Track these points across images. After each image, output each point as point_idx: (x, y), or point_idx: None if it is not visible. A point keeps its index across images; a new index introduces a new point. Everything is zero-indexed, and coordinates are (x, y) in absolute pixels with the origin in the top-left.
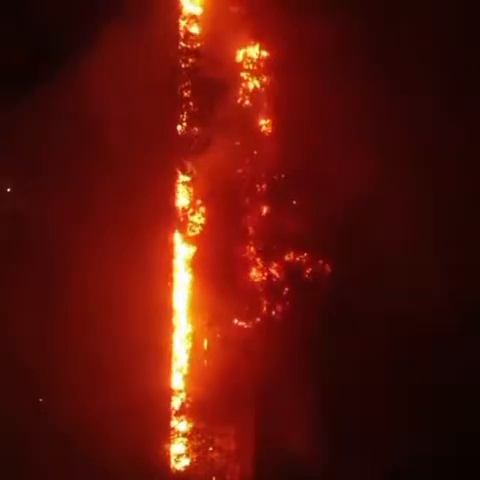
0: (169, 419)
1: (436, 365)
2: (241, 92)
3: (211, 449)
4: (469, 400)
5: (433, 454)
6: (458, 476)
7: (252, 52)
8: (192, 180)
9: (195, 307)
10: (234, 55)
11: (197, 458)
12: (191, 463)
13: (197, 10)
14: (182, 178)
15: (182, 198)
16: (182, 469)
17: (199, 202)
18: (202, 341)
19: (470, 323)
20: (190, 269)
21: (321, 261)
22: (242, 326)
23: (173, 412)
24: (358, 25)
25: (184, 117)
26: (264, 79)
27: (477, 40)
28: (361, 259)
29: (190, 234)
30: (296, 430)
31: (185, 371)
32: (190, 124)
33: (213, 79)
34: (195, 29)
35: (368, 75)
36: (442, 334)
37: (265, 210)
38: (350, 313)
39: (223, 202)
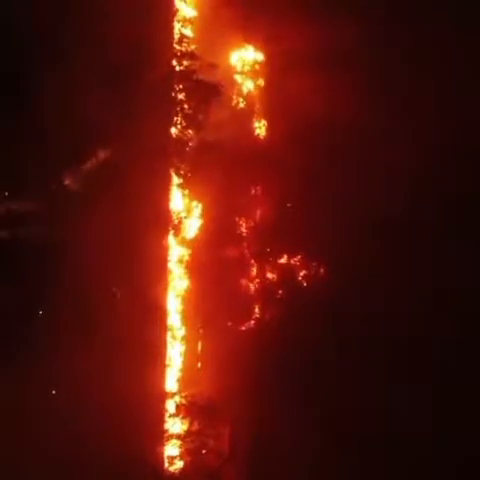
0: (163, 421)
1: (435, 368)
2: (235, 94)
3: (204, 451)
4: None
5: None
6: None
7: (246, 55)
8: (186, 182)
9: (189, 309)
10: (228, 58)
11: (191, 460)
12: (185, 465)
13: (192, 13)
14: (176, 180)
15: (176, 200)
16: (176, 471)
17: (193, 204)
18: (196, 343)
19: (467, 325)
20: (185, 271)
21: (315, 263)
22: (236, 328)
23: (167, 414)
24: (353, 27)
25: (178, 119)
26: (258, 81)
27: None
28: (357, 261)
29: (184, 236)
30: (291, 432)
31: (179, 373)
32: (184, 126)
33: (207, 82)
34: (189, 32)
35: (364, 76)
36: (440, 336)
37: (260, 212)
38: (346, 314)
39: (217, 204)
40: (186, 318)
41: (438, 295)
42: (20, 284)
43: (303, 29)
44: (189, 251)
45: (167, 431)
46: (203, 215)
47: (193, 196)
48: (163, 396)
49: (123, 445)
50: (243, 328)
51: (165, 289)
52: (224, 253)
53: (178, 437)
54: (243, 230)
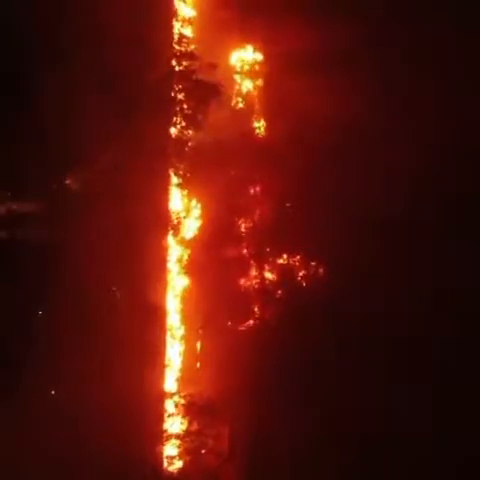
0: (162, 421)
1: (435, 368)
2: (235, 94)
3: (204, 451)
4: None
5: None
6: None
7: (245, 55)
8: (186, 182)
9: (189, 309)
10: (228, 58)
11: (190, 460)
12: (184, 465)
13: (191, 13)
14: (176, 180)
15: (176, 200)
16: (175, 471)
17: (193, 204)
18: (195, 343)
19: (467, 325)
20: (184, 271)
21: (315, 263)
22: (236, 328)
23: (166, 414)
24: (352, 27)
25: (178, 119)
26: (257, 81)
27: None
28: (357, 261)
29: (184, 236)
30: (291, 432)
31: (178, 373)
32: (184, 126)
33: (207, 82)
34: (189, 32)
35: (364, 76)
36: (440, 336)
37: (259, 212)
38: (346, 314)
39: (217, 204)
40: (185, 318)
41: (438, 295)
42: (20, 284)
43: (302, 29)
44: (188, 251)
45: (166, 431)
46: (202, 215)
47: (192, 196)
48: (162, 396)
49: (123, 445)
50: (242, 328)
51: (164, 289)
52: (223, 253)
53: (177, 437)
54: (242, 230)
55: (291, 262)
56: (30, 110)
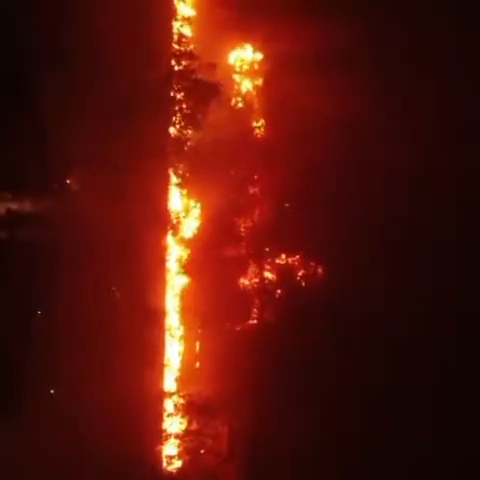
0: (161, 421)
1: (435, 368)
2: (234, 94)
3: (203, 451)
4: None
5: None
6: None
7: (245, 54)
8: (185, 182)
9: (188, 309)
10: (227, 57)
11: (189, 460)
12: (183, 465)
13: (190, 13)
14: (175, 180)
15: (175, 200)
16: (174, 471)
17: (192, 204)
18: (194, 343)
19: (467, 325)
20: (183, 271)
21: (314, 263)
22: (235, 328)
23: (165, 414)
24: (352, 27)
25: (177, 119)
26: (257, 81)
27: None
28: (357, 261)
29: (183, 236)
30: (290, 431)
31: (177, 373)
32: (183, 126)
33: (206, 81)
34: (188, 31)
35: (364, 76)
36: (440, 336)
37: (258, 212)
38: (346, 314)
39: (216, 204)
40: (184, 317)
41: (438, 295)
42: (20, 284)
43: (302, 29)
44: (187, 251)
45: (165, 430)
46: (201, 215)
47: (192, 196)
48: (161, 396)
49: (122, 444)
50: (241, 328)
51: (163, 289)
52: (223, 253)
53: (177, 436)
54: (242, 230)
55: (290, 262)
56: (30, 110)
